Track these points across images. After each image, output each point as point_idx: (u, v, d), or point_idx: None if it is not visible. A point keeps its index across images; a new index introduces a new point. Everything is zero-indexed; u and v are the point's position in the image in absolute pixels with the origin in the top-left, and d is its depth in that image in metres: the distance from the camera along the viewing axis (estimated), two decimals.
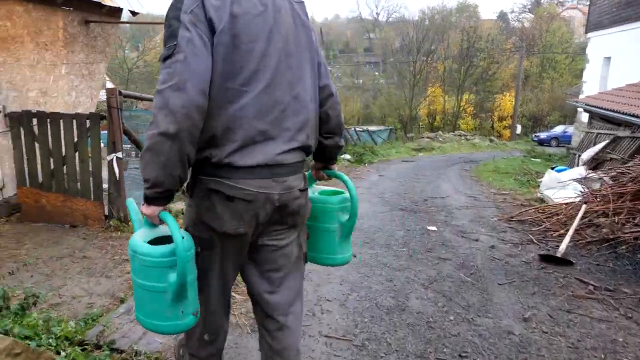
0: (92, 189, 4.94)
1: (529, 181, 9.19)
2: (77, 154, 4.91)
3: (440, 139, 23.90)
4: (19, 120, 4.99)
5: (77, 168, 4.95)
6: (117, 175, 4.81)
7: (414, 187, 8.59)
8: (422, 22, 38.04)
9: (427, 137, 24.35)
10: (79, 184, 4.98)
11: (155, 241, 1.50)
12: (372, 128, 24.44)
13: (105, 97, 5.05)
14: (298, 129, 1.59)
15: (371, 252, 4.30)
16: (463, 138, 25.06)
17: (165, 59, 1.41)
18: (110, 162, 4.81)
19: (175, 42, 1.39)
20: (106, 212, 4.96)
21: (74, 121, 4.84)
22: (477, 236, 4.93)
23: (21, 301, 2.34)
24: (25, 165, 5.06)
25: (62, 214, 5.05)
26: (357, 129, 20.88)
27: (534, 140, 26.18)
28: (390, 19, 58.51)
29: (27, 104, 5.39)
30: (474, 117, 35.63)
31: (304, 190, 1.65)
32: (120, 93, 4.84)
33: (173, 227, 1.44)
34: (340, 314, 3.01)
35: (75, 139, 4.87)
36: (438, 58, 36.90)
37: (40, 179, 5.05)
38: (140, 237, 1.50)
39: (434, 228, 5.26)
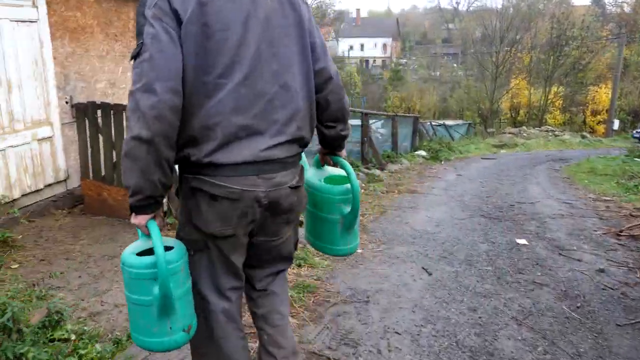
0: None
1: (636, 186, 7.95)
2: None
3: (524, 135, 22.13)
4: (84, 112, 4.92)
5: None
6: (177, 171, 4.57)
7: (497, 189, 7.73)
8: (507, 10, 35.54)
9: (510, 133, 22.65)
10: None
11: (148, 252, 1.42)
12: (449, 122, 23.08)
13: None
14: (286, 120, 1.48)
15: (449, 270, 3.69)
16: (550, 134, 23.06)
17: (134, 58, 1.33)
18: None
19: (142, 40, 1.31)
20: (165, 209, 4.76)
21: None
22: (580, 255, 4.13)
23: (43, 319, 2.07)
24: (89, 157, 4.99)
25: (123, 208, 4.92)
26: (433, 123, 19.81)
27: (635, 137, 23.44)
28: (471, 8, 55.67)
29: (95, 95, 5.33)
30: (563, 111, 32.73)
31: (296, 187, 1.55)
32: None
33: (155, 237, 1.38)
34: (411, 354, 2.46)
35: None
36: (523, 48, 34.35)
37: (103, 171, 4.97)
38: (131, 249, 1.45)
39: (524, 241, 4.51)
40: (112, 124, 4.76)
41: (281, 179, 1.48)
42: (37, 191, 4.66)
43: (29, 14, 4.38)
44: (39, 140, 4.61)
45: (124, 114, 4.68)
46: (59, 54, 4.81)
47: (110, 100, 5.52)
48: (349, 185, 1.75)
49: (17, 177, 4.39)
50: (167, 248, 1.42)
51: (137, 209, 1.40)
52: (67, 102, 4.98)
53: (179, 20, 1.32)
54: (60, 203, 4.97)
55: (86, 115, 4.90)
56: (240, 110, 1.39)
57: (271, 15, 1.43)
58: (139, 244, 1.46)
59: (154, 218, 1.43)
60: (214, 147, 1.38)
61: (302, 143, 1.55)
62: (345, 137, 1.73)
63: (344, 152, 1.82)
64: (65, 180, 5.04)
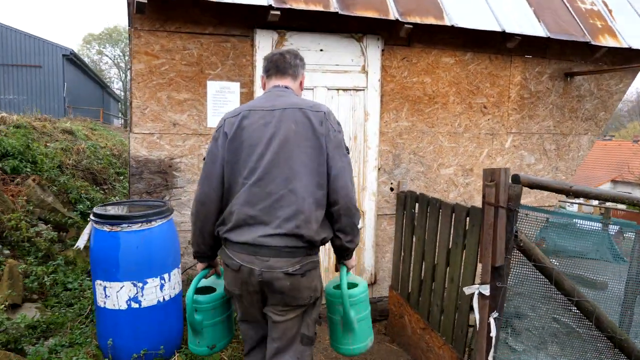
0: (452, 329, 2.98)
1: None
2: (447, 267, 3.10)
3: None
4: (403, 204, 3.73)
5: (446, 287, 3.13)
6: (477, 320, 2.61)
7: None
8: None
9: None
10: (442, 313, 3.13)
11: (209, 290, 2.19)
12: None
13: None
14: (287, 217, 1.82)
15: None
16: None
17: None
18: (471, 297, 2.69)
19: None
20: None
21: (453, 215, 3.07)
22: None
23: None
24: (400, 264, 3.72)
25: (419, 347, 3.35)
26: None
27: None
28: None
29: (438, 184, 4.05)
30: None
31: (292, 275, 1.84)
32: (517, 179, 2.62)
33: (192, 284, 2.10)
34: None
35: (450, 244, 3.08)
36: None
37: (409, 287, 3.58)
38: (195, 283, 2.12)
39: None
40: (426, 225, 3.34)
41: (274, 263, 1.82)
42: None
43: (355, 80, 3.67)
44: None
45: (439, 213, 3.18)
46: (390, 129, 3.86)
47: (458, 191, 4.10)
48: (353, 290, 2.14)
49: None
50: (211, 289, 2.18)
51: (195, 257, 2.12)
52: (392, 189, 3.95)
53: (226, 138, 1.91)
54: None
55: (405, 209, 3.70)
56: (250, 204, 1.84)
57: (291, 137, 1.85)
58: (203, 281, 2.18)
59: (209, 267, 2.16)
60: (229, 228, 1.89)
61: (303, 240, 1.84)
62: (348, 249, 2.03)
63: (351, 262, 2.15)
64: (371, 285, 3.97)
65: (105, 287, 2.72)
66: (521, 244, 2.65)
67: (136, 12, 2.99)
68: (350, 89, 3.67)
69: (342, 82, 3.63)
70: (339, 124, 1.98)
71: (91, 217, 2.77)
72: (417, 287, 3.46)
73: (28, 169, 5.04)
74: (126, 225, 2.67)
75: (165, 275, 2.80)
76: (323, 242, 1.94)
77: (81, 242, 2.74)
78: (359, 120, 3.72)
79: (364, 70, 3.68)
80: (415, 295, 3.48)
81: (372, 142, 3.75)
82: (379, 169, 3.82)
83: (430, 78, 3.92)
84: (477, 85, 4.08)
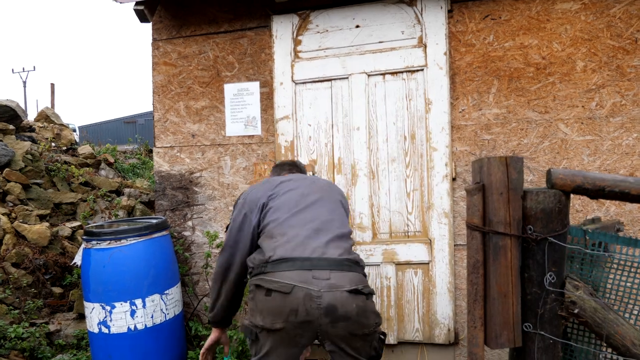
0: None
1: None
2: None
3: None
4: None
5: None
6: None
7: None
8: None
9: None
10: None
11: None
12: None
13: None
14: (339, 235, 1.71)
15: None
16: None
17: None
18: None
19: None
20: None
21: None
22: None
23: None
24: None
25: None
26: None
27: None
28: None
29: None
30: None
31: (359, 293, 1.57)
32: (551, 178, 1.34)
33: None
34: None
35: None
36: None
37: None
38: None
39: None
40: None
41: (336, 280, 1.55)
42: (387, 346, 2.80)
43: (408, 59, 2.68)
44: (399, 264, 2.75)
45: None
46: (469, 121, 2.67)
47: (605, 213, 2.57)
48: None
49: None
50: None
51: (210, 322, 1.97)
52: None
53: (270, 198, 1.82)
54: None
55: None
56: (299, 225, 1.69)
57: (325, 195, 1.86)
58: None
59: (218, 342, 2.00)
60: (271, 256, 1.63)
61: (355, 258, 1.69)
62: None
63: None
64: (451, 345, 2.75)
65: (85, 307, 2.59)
66: (574, 309, 1.37)
67: (140, 21, 2.89)
68: (401, 71, 2.71)
69: (388, 64, 2.71)
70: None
71: None
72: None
73: None
74: (95, 242, 2.50)
75: (137, 301, 2.49)
76: None
77: (77, 259, 2.70)
78: (418, 112, 2.70)
79: (420, 44, 2.67)
80: None
81: (440, 141, 2.66)
82: (453, 178, 2.67)
83: (537, 38, 2.58)
84: (632, 37, 2.48)
